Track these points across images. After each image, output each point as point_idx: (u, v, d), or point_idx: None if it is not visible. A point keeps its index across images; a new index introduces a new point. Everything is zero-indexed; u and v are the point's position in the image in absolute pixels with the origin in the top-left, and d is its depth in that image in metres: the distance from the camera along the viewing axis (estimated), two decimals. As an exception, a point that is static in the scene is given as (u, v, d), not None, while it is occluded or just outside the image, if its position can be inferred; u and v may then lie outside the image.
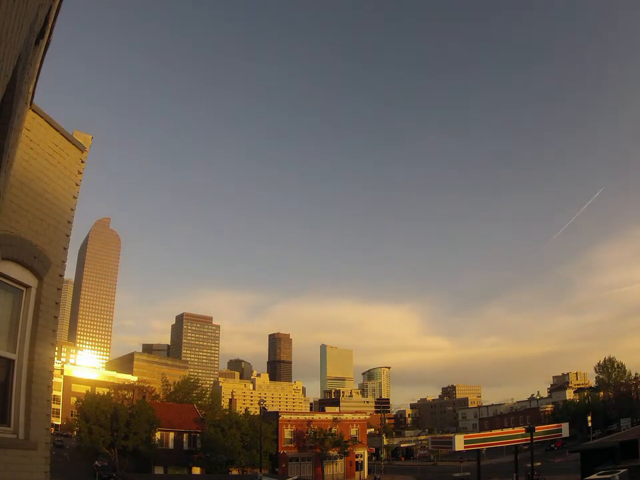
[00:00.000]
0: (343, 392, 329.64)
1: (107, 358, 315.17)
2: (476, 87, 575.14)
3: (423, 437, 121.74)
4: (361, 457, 75.71)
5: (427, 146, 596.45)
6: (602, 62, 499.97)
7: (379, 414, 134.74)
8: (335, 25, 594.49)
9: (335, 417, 75.30)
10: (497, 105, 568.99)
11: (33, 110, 7.27)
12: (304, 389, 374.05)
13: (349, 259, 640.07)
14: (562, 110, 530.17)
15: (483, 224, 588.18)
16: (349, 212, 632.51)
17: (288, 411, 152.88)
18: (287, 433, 69.87)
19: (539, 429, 52.66)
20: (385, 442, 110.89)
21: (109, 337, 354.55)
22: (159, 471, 61.72)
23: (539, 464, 53.95)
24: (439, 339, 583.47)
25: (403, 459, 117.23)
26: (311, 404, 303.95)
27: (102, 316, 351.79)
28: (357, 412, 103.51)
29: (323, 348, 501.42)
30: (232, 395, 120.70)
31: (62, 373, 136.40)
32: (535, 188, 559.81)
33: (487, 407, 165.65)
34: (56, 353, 8.07)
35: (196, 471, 63.86)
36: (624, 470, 29.57)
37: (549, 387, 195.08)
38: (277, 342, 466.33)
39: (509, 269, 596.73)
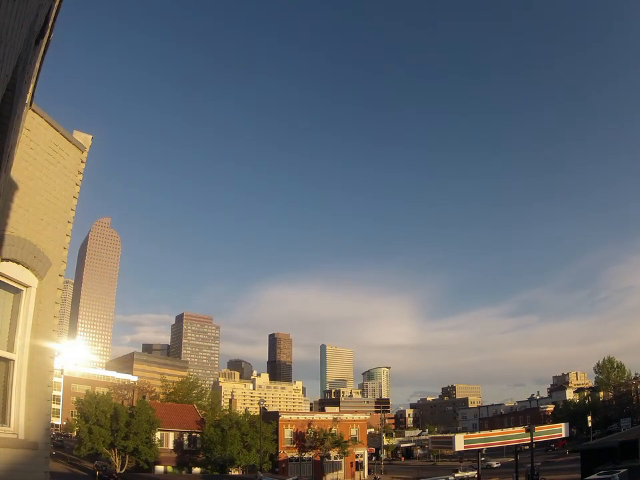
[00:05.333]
0: (342, 392, 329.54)
1: (107, 358, 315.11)
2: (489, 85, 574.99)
3: (423, 437, 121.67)
4: (361, 456, 75.68)
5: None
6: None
7: (379, 414, 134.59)
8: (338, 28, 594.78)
9: (335, 417, 75.21)
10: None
11: (33, 110, 7.27)
12: (304, 389, 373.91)
13: (348, 256, 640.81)
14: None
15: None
16: (350, 208, 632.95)
17: (288, 411, 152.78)
18: (287, 433, 69.80)
19: (539, 429, 52.46)
20: (385, 442, 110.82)
21: (108, 337, 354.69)
22: (159, 471, 61.71)
23: (539, 464, 53.95)
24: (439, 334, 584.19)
25: (403, 458, 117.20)
26: (310, 404, 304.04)
27: (102, 316, 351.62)
28: (356, 412, 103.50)
29: (323, 348, 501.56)
30: (232, 395, 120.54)
31: (62, 372, 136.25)
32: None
33: (487, 407, 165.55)
34: (56, 353, 8.06)
35: (196, 471, 63.83)
36: (624, 470, 29.62)
37: (549, 386, 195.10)
38: (276, 342, 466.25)
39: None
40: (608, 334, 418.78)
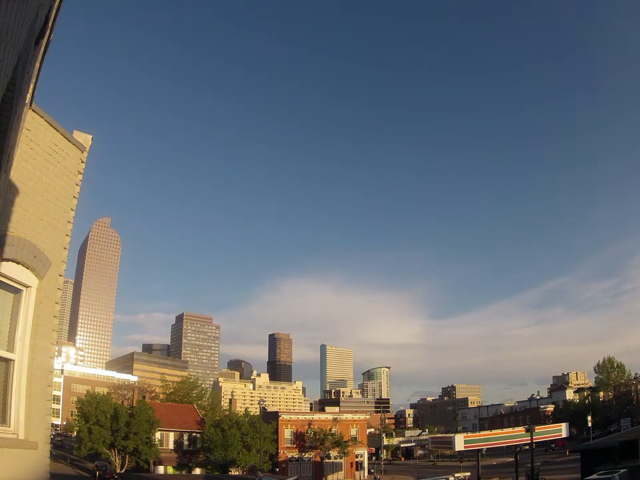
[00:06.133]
0: (342, 392, 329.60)
1: (107, 358, 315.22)
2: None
3: (423, 437, 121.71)
4: (361, 456, 75.70)
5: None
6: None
7: (379, 414, 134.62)
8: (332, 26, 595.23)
9: (335, 417, 75.25)
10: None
11: (33, 110, 7.27)
12: (304, 389, 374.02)
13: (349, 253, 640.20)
14: None
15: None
16: (349, 206, 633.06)
17: (288, 411, 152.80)
18: (287, 433, 69.85)
19: (539, 428, 52.47)
20: (385, 442, 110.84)
21: (108, 337, 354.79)
22: (159, 471, 61.73)
23: (539, 464, 53.94)
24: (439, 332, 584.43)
25: (403, 458, 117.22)
26: (311, 404, 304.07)
27: (102, 316, 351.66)
28: (356, 412, 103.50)
29: (323, 348, 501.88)
30: (232, 395, 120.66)
31: (62, 372, 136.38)
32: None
33: (487, 407, 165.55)
34: (56, 353, 8.07)
35: (196, 471, 63.87)
36: (624, 470, 29.63)
37: (549, 386, 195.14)
38: (276, 342, 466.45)
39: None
40: (620, 332, 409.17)
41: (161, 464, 62.38)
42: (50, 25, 6.12)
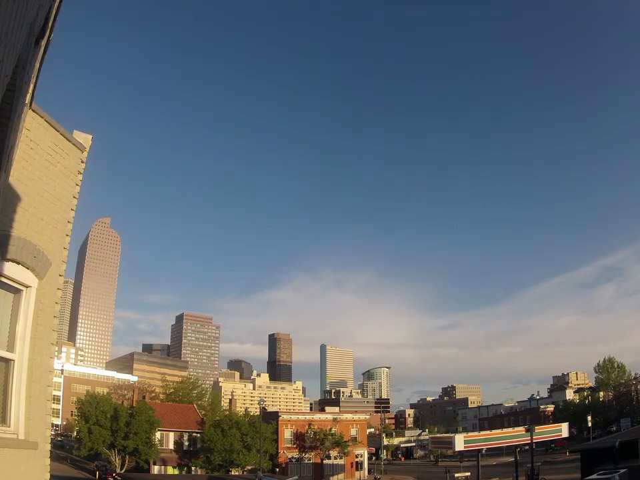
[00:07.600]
0: (342, 392, 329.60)
1: (107, 358, 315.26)
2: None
3: (423, 437, 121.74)
4: (361, 456, 75.70)
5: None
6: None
7: (379, 414, 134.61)
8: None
9: (335, 417, 75.26)
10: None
11: (33, 110, 7.26)
12: (304, 389, 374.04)
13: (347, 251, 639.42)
14: None
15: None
16: (348, 205, 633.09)
17: (288, 411, 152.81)
18: (287, 433, 69.85)
19: (539, 429, 52.42)
20: (385, 442, 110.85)
21: (108, 337, 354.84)
22: (159, 471, 61.74)
23: (539, 464, 53.94)
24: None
25: (403, 459, 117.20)
26: (310, 404, 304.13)
27: (102, 316, 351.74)
28: (356, 412, 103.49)
29: (323, 348, 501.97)
30: (232, 395, 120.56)
31: (62, 372, 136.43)
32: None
33: (487, 407, 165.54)
34: (56, 353, 8.07)
35: (196, 471, 63.88)
36: (624, 470, 29.64)
37: (549, 386, 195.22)
38: (276, 342, 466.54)
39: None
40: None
41: (160, 464, 62.38)
42: (50, 25, 6.12)
